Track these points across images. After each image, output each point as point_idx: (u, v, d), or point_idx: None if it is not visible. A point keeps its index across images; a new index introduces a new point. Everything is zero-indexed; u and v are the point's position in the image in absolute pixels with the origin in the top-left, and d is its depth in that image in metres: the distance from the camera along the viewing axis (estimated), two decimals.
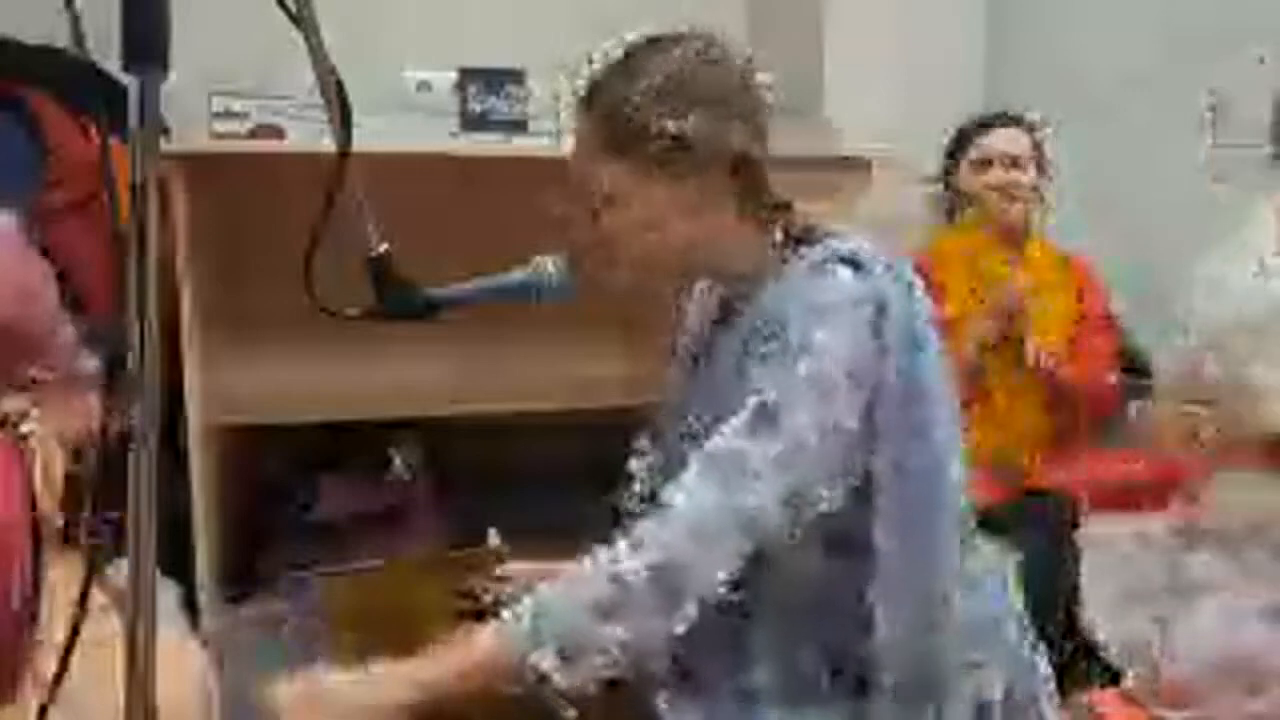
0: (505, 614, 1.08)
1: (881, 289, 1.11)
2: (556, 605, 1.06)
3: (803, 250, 1.18)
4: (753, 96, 1.19)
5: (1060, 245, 2.60)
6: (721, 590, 1.07)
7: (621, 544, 1.07)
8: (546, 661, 1.04)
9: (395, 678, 1.06)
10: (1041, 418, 2.45)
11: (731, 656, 1.20)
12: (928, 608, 1.14)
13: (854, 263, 1.13)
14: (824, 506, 1.09)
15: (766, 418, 1.07)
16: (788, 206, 1.22)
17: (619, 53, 1.18)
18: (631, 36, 1.19)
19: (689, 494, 1.06)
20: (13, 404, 1.35)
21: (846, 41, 2.72)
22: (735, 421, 1.08)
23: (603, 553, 1.07)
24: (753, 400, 1.08)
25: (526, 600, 1.08)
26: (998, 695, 1.22)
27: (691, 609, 1.06)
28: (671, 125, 1.13)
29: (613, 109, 1.14)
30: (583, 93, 1.18)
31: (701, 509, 1.05)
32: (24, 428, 1.33)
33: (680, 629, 1.07)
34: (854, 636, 1.18)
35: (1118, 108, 3.21)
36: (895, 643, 1.14)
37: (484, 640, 1.08)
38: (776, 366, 1.09)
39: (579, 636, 1.04)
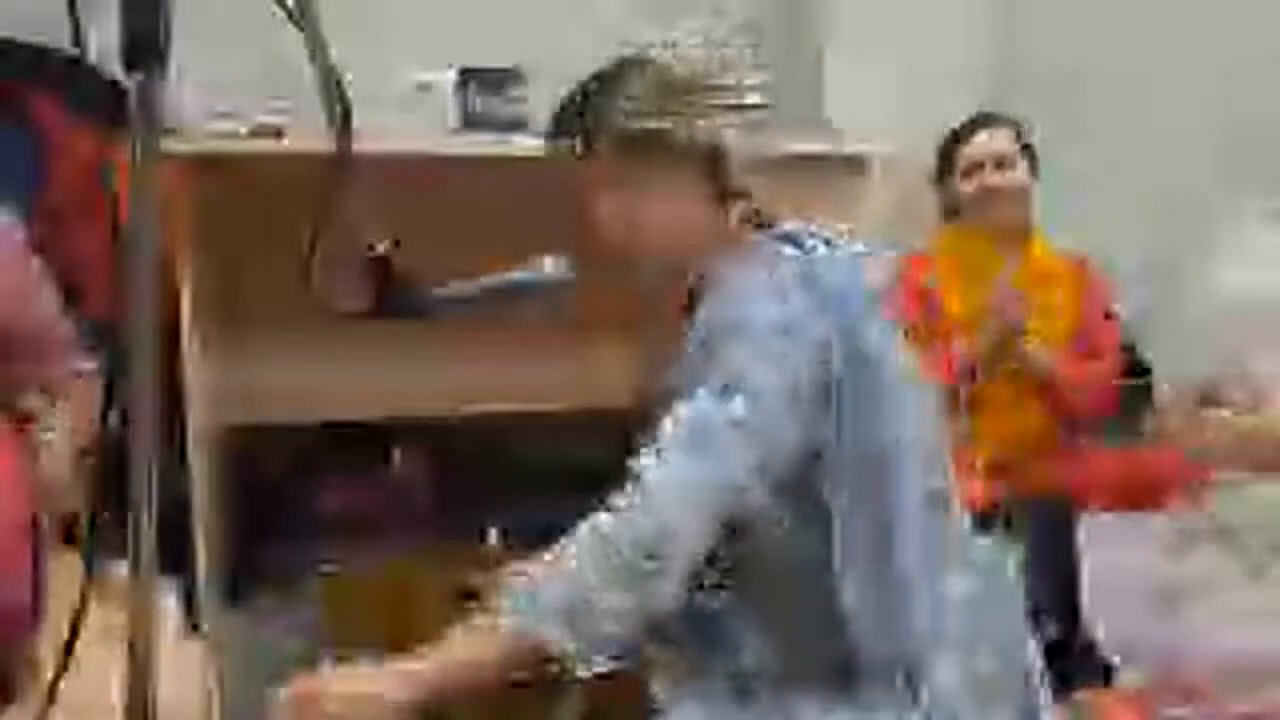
0: (503, 605, 1.08)
1: (819, 263, 1.17)
2: (553, 587, 1.07)
3: (756, 237, 1.25)
4: (721, 90, 1.27)
5: (1061, 244, 2.60)
6: (706, 555, 1.11)
7: (602, 515, 1.09)
8: (555, 634, 1.05)
9: (397, 676, 1.06)
10: (1042, 418, 2.45)
11: (723, 641, 1.21)
12: (894, 585, 1.16)
13: (794, 241, 1.20)
14: (784, 465, 1.14)
15: (729, 387, 1.11)
16: (746, 195, 1.27)
17: (601, 70, 1.27)
18: (634, 39, 1.27)
19: (662, 461, 1.10)
20: (23, 403, 1.35)
21: (846, 41, 2.72)
22: (701, 391, 1.12)
23: (585, 525, 1.10)
24: (716, 371, 1.13)
25: (521, 588, 1.09)
26: (990, 684, 1.22)
27: (681, 569, 1.09)
28: (649, 126, 1.21)
29: (594, 120, 1.22)
30: (565, 109, 1.27)
31: (675, 474, 1.09)
32: (45, 434, 1.32)
33: (676, 589, 1.09)
34: (834, 616, 1.20)
35: (1120, 107, 3.21)
36: (866, 622, 1.16)
37: (486, 635, 1.08)
38: (733, 341, 1.13)
39: (581, 606, 1.06)
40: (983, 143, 2.50)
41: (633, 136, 1.21)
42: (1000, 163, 2.48)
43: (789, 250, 1.19)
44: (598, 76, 1.27)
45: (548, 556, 1.11)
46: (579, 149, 1.24)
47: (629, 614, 1.07)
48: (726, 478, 1.10)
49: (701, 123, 1.23)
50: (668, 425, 1.13)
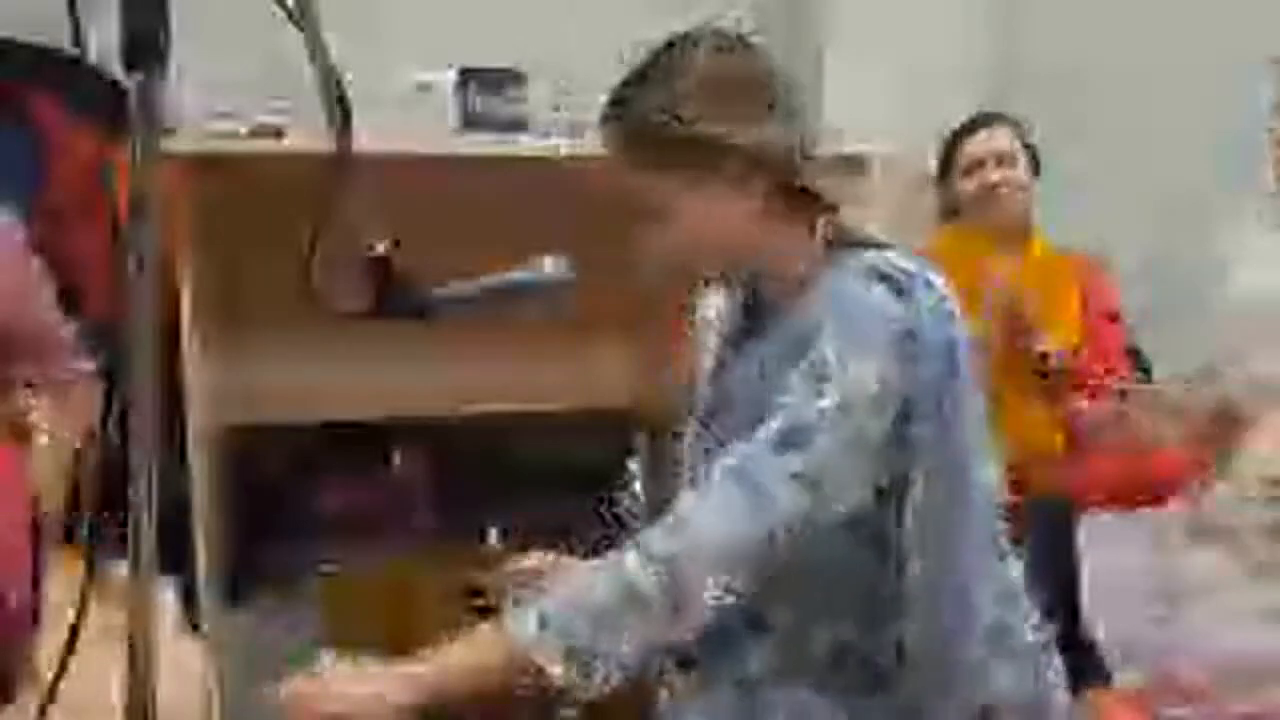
0: (511, 618, 1.07)
1: (918, 313, 1.08)
2: (565, 613, 1.05)
3: (842, 259, 1.15)
4: (781, 86, 1.17)
5: (1060, 244, 2.60)
6: (732, 599, 1.07)
7: (632, 553, 1.05)
8: (555, 668, 1.04)
9: (398, 678, 1.06)
10: (1046, 418, 2.45)
11: (735, 644, 1.20)
12: (953, 611, 1.14)
13: (892, 282, 1.10)
14: (841, 517, 1.09)
15: (792, 437, 1.06)
16: (832, 208, 1.19)
17: (642, 61, 1.17)
18: (652, 42, 1.18)
19: (707, 508, 1.06)
20: (24, 403, 1.34)
21: (846, 41, 2.72)
22: (760, 437, 1.07)
23: (612, 559, 1.07)
24: (780, 418, 1.07)
25: (533, 604, 1.07)
26: (1010, 696, 1.22)
27: (701, 618, 1.06)
28: (704, 130, 1.12)
29: (643, 121, 1.14)
30: (611, 107, 1.18)
31: (719, 525, 1.04)
32: (37, 434, 1.32)
33: (689, 637, 1.07)
34: (865, 628, 1.19)
35: (1118, 107, 3.21)
36: (915, 642, 1.14)
37: (489, 644, 1.07)
38: (805, 385, 1.07)
39: (587, 645, 1.04)
40: (983, 140, 2.50)
41: (682, 138, 1.12)
42: (1001, 160, 2.48)
43: (889, 294, 1.09)
44: (642, 70, 1.17)
45: (569, 579, 1.08)
46: (622, 145, 1.17)
47: (642, 654, 1.06)
48: (772, 535, 1.05)
49: (754, 127, 1.14)
50: (718, 470, 1.07)
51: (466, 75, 2.40)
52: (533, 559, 1.40)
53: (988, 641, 1.20)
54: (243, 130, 2.26)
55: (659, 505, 1.26)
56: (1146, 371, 2.83)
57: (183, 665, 1.22)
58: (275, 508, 2.45)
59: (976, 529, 1.14)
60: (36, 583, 1.16)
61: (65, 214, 2.31)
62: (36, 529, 1.17)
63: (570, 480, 2.97)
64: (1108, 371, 2.44)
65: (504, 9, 2.88)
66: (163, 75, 0.81)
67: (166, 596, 2.03)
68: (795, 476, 1.05)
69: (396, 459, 2.47)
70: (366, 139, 2.34)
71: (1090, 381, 2.38)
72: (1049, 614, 1.88)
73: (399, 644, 1.26)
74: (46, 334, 1.48)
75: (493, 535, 2.00)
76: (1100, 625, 1.87)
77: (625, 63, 1.19)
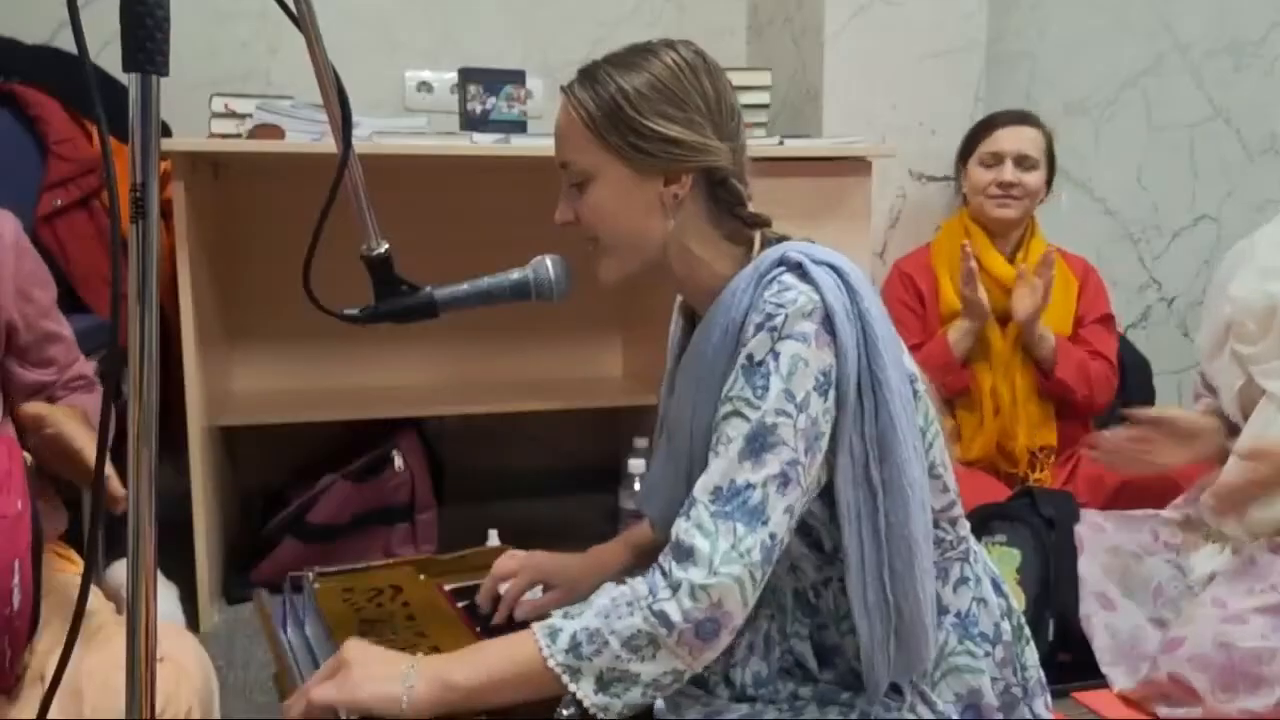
0: (542, 636, 1.07)
1: (825, 293, 1.11)
2: (597, 638, 1.06)
3: (759, 257, 1.18)
4: (737, 118, 1.21)
5: (1057, 245, 2.60)
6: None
7: (660, 581, 1.07)
8: (584, 692, 1.05)
9: (429, 673, 1.07)
10: (1042, 415, 2.46)
11: (728, 651, 1.20)
12: (901, 600, 1.14)
13: (798, 269, 1.14)
14: (812, 502, 1.14)
15: (756, 442, 1.08)
16: (766, 223, 1.22)
17: (621, 48, 1.20)
18: (632, 41, 1.21)
19: (707, 535, 1.06)
20: (24, 401, 1.35)
21: (847, 41, 2.72)
22: (729, 451, 1.09)
23: (642, 586, 1.08)
24: (738, 427, 1.09)
25: (564, 625, 1.08)
26: (990, 692, 1.22)
27: (727, 641, 1.08)
28: (660, 125, 1.15)
29: (608, 93, 1.16)
30: (580, 75, 1.19)
31: (725, 550, 1.06)
32: (38, 432, 1.32)
33: (712, 659, 1.09)
34: (838, 628, 1.22)
35: (1116, 109, 3.21)
36: (872, 635, 1.15)
37: (520, 655, 1.07)
38: (749, 388, 1.10)
39: (617, 670, 1.05)
40: (1009, 137, 2.50)
41: (628, 118, 1.15)
42: (1020, 161, 2.48)
43: (797, 279, 1.13)
44: (617, 55, 1.19)
45: (599, 601, 1.08)
46: (577, 109, 1.17)
47: (671, 681, 1.08)
48: (773, 541, 1.07)
49: (720, 144, 1.17)
50: (703, 492, 1.09)
51: (466, 75, 2.40)
52: (515, 557, 1.40)
53: (963, 638, 1.23)
54: (243, 130, 2.26)
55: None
56: (1146, 371, 2.84)
57: (183, 665, 1.22)
58: (275, 508, 2.45)
59: (917, 522, 1.14)
60: (36, 582, 1.16)
61: (65, 214, 2.31)
62: (36, 528, 1.17)
63: (570, 480, 2.98)
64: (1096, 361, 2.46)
65: (504, 9, 2.89)
66: (163, 75, 0.82)
67: (167, 597, 2.04)
68: (771, 479, 1.07)
69: (396, 459, 2.47)
70: (366, 139, 2.34)
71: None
72: (1048, 613, 1.89)
73: (397, 645, 1.26)
74: (46, 334, 1.47)
75: (493, 535, 2.00)
76: (1100, 625, 1.87)
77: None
